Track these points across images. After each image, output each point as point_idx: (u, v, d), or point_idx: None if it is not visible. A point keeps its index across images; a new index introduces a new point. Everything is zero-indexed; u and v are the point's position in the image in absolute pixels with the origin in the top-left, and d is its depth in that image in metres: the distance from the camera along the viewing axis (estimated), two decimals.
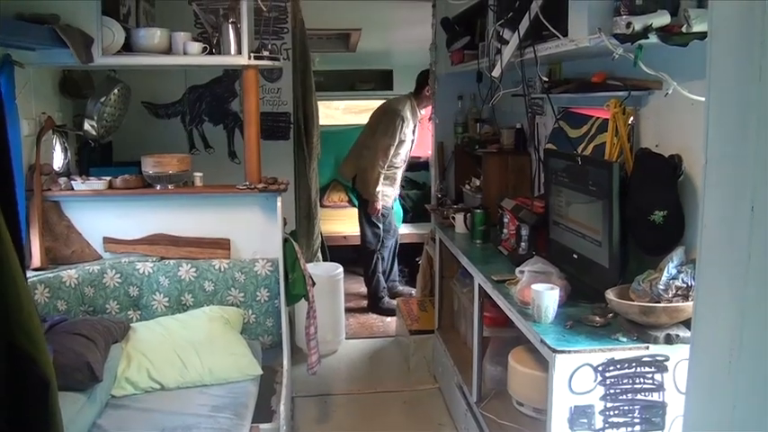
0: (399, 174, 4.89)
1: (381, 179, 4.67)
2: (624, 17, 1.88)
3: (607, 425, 1.88)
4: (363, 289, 5.11)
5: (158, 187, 2.96)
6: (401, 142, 4.69)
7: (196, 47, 2.86)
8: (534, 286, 2.08)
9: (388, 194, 4.82)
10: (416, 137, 4.87)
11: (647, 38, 1.86)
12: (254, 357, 2.73)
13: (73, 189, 2.91)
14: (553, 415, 1.87)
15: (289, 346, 3.12)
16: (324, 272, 4.10)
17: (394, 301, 4.68)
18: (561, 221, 2.51)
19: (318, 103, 4.59)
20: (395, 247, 5.06)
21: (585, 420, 1.87)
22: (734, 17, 0.91)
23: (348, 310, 4.68)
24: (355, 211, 5.11)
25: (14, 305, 0.92)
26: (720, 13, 0.94)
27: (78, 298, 2.83)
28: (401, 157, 4.78)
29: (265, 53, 2.94)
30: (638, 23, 1.84)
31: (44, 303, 2.73)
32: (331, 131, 5.90)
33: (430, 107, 4.58)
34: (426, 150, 5.68)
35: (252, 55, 2.87)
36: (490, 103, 3.08)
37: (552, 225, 2.58)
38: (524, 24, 2.47)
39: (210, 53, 2.89)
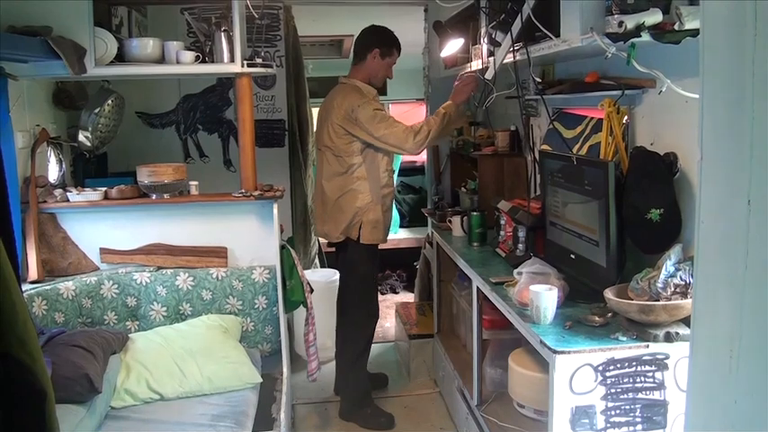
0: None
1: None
2: (616, 16, 1.88)
3: (609, 425, 1.88)
4: None
5: (154, 197, 2.95)
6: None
7: (189, 56, 2.86)
8: (532, 287, 2.08)
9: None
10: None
11: (640, 36, 1.86)
12: (254, 365, 2.71)
13: (69, 201, 2.91)
14: (554, 416, 1.87)
15: (288, 354, 3.11)
16: (321, 278, 4.09)
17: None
18: (558, 222, 2.51)
19: (312, 109, 4.59)
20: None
21: (587, 421, 1.87)
22: (725, 13, 0.91)
23: None
24: None
25: (10, 315, 0.92)
26: (712, 9, 0.94)
27: (76, 310, 2.82)
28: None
29: (258, 61, 2.94)
30: (631, 22, 1.85)
31: (42, 316, 2.72)
32: None
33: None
34: (422, 155, 5.68)
35: (245, 62, 2.88)
36: (484, 105, 3.08)
37: (549, 226, 2.58)
38: (517, 26, 2.48)
39: (203, 62, 2.89)
